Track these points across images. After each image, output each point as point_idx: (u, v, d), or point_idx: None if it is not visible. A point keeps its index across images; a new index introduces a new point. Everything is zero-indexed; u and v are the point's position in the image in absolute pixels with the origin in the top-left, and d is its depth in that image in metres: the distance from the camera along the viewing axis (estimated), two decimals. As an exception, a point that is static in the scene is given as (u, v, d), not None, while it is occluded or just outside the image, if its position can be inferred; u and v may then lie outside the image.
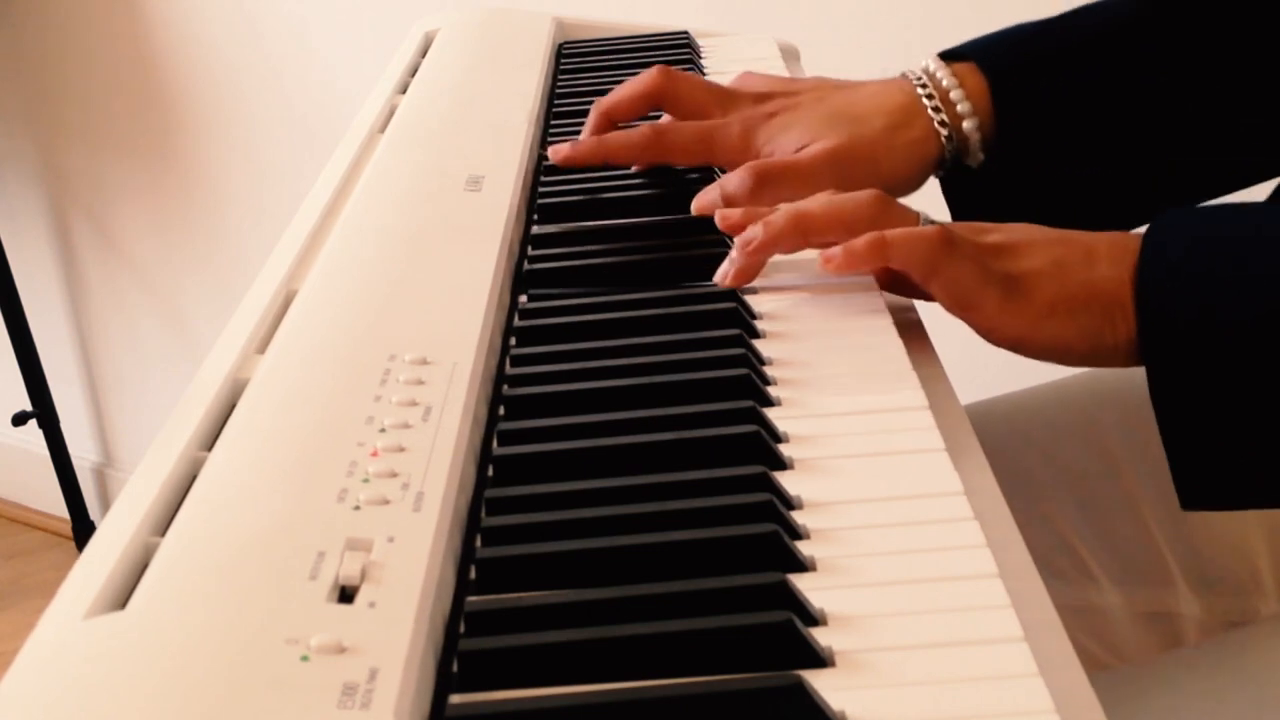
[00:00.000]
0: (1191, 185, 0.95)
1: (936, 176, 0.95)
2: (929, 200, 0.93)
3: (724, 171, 0.92)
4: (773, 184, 0.86)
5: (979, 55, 0.93)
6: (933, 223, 0.77)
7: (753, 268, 0.78)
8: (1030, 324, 0.75)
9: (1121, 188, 0.94)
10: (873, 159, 0.91)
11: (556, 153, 0.94)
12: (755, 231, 0.78)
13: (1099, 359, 0.76)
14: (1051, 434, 0.96)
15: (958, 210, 0.96)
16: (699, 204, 0.85)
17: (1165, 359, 0.72)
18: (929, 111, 0.92)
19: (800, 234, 0.78)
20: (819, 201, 0.78)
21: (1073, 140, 0.93)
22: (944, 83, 0.92)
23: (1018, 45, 0.95)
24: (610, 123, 0.96)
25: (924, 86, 0.92)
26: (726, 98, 0.95)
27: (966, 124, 0.92)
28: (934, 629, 0.52)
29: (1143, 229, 0.77)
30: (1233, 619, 0.92)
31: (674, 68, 0.97)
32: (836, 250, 0.75)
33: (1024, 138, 0.93)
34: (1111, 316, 0.74)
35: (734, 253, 0.78)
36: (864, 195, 0.78)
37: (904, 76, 0.94)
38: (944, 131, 0.92)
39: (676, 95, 0.95)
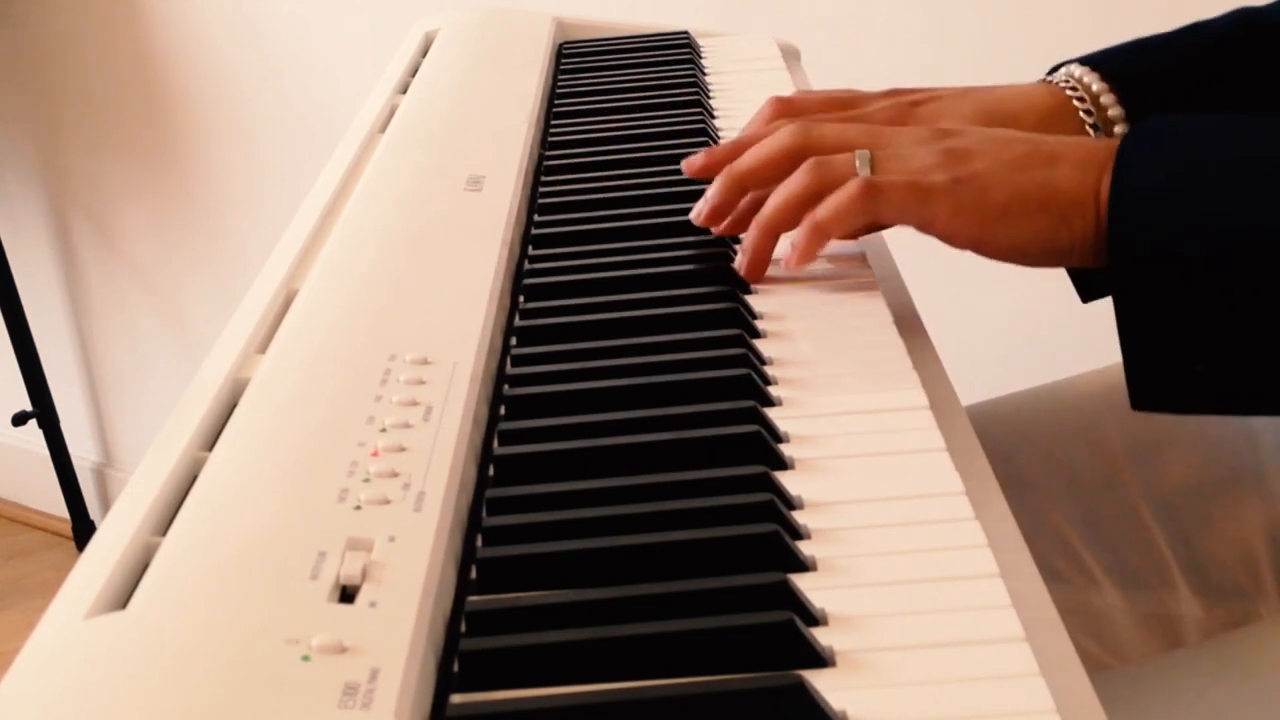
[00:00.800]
0: None
1: None
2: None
3: None
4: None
5: (1105, 66, 0.92)
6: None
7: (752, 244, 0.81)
8: (985, 226, 0.76)
9: None
10: None
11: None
12: (748, 240, 0.80)
13: (1055, 259, 0.77)
14: (1052, 435, 0.96)
15: None
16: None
17: (1127, 279, 0.73)
18: (1080, 114, 0.91)
19: (738, 189, 0.82)
20: (751, 154, 0.81)
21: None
22: (1093, 86, 0.91)
23: (1141, 56, 0.94)
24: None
25: (1073, 90, 0.91)
26: (855, 94, 0.93)
27: (1119, 128, 0.91)
28: (935, 629, 0.52)
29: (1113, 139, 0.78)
30: (1233, 620, 0.92)
31: (785, 95, 0.91)
32: (790, 253, 0.78)
33: None
34: (1068, 217, 0.75)
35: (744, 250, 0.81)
36: (777, 141, 0.81)
37: (1045, 82, 0.93)
38: (1095, 135, 0.90)
39: (799, 113, 0.89)
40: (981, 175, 0.76)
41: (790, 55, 1.21)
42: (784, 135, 0.81)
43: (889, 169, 0.77)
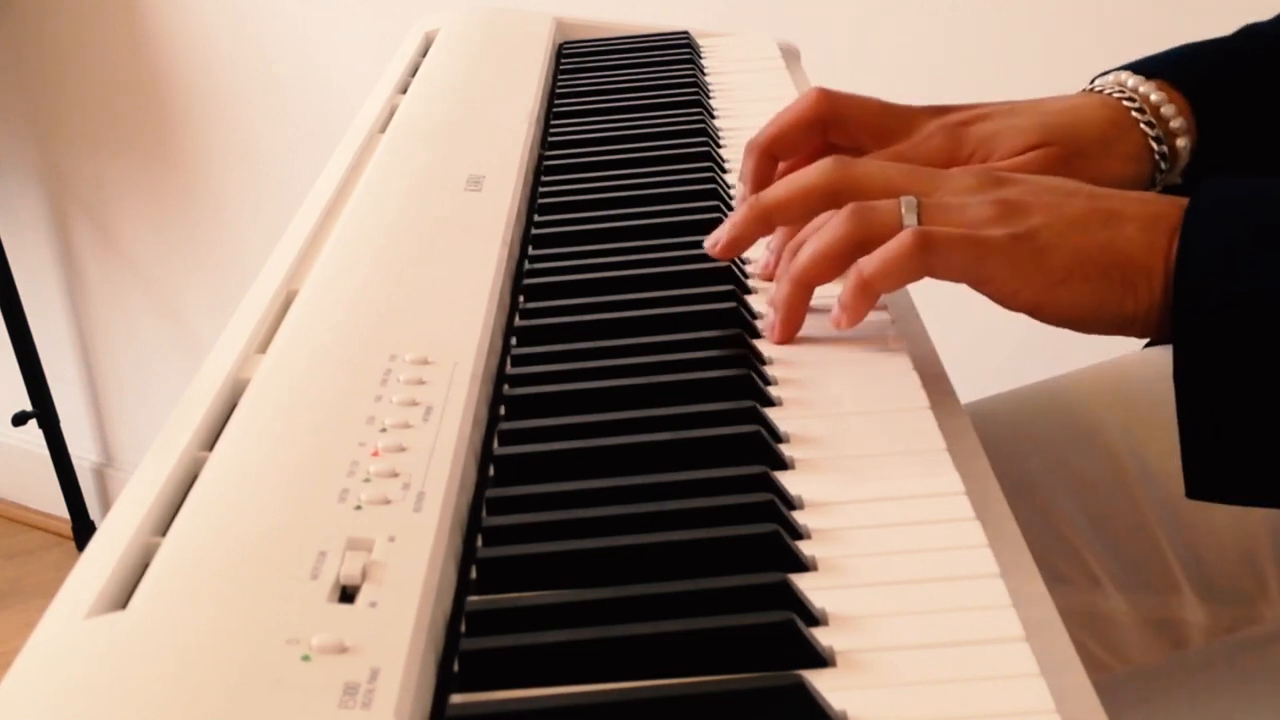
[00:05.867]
0: None
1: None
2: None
3: None
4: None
5: (1166, 71, 0.87)
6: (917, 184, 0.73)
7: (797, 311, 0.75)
8: (1045, 289, 0.70)
9: None
10: (1091, 172, 0.82)
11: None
12: (779, 296, 0.75)
13: (1117, 327, 0.71)
14: (1053, 435, 0.96)
15: None
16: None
17: (1195, 347, 0.67)
18: (1141, 126, 0.86)
19: (763, 222, 0.76)
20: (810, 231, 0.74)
21: (1263, 154, 0.88)
22: (1152, 97, 0.86)
23: (1198, 62, 0.89)
24: (773, 162, 0.85)
25: (1130, 100, 0.86)
26: (905, 113, 0.86)
27: (1180, 140, 0.86)
28: (935, 629, 0.52)
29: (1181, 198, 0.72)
30: (1237, 624, 0.91)
31: (831, 89, 0.86)
32: (839, 314, 0.72)
33: (1220, 155, 0.87)
34: (1133, 284, 0.69)
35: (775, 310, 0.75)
36: (811, 176, 0.74)
37: (1092, 91, 0.88)
38: (1159, 148, 0.86)
39: (841, 117, 0.85)
40: (1040, 233, 0.69)
41: (790, 55, 1.21)
42: (820, 172, 0.75)
43: (938, 219, 0.71)
